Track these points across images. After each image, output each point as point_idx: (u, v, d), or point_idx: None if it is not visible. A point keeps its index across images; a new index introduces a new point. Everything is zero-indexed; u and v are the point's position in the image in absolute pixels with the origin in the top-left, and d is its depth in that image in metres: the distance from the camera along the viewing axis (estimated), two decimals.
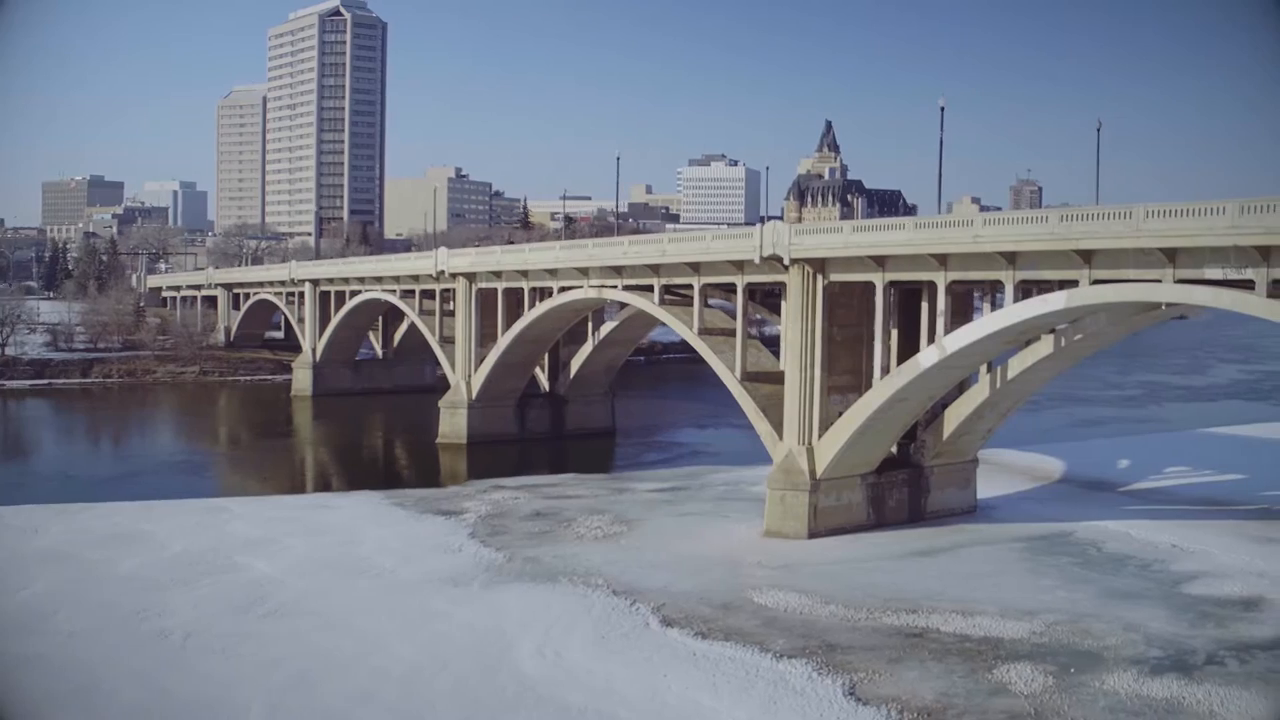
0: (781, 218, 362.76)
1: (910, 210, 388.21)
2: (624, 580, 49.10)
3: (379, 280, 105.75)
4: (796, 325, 55.88)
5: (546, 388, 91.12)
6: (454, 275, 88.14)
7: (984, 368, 55.72)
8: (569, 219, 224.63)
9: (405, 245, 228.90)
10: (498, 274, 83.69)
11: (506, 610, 45.39)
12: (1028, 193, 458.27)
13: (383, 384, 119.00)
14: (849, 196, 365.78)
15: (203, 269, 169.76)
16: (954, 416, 57.63)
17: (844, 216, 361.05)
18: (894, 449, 60.50)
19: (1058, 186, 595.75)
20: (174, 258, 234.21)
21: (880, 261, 52.45)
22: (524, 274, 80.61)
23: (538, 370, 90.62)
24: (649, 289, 68.56)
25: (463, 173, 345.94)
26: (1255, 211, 39.01)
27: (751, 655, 39.92)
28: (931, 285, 51.89)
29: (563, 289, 76.57)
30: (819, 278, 55.14)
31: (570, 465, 79.03)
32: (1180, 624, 43.74)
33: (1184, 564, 52.74)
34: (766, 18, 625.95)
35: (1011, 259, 47.27)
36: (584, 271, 73.95)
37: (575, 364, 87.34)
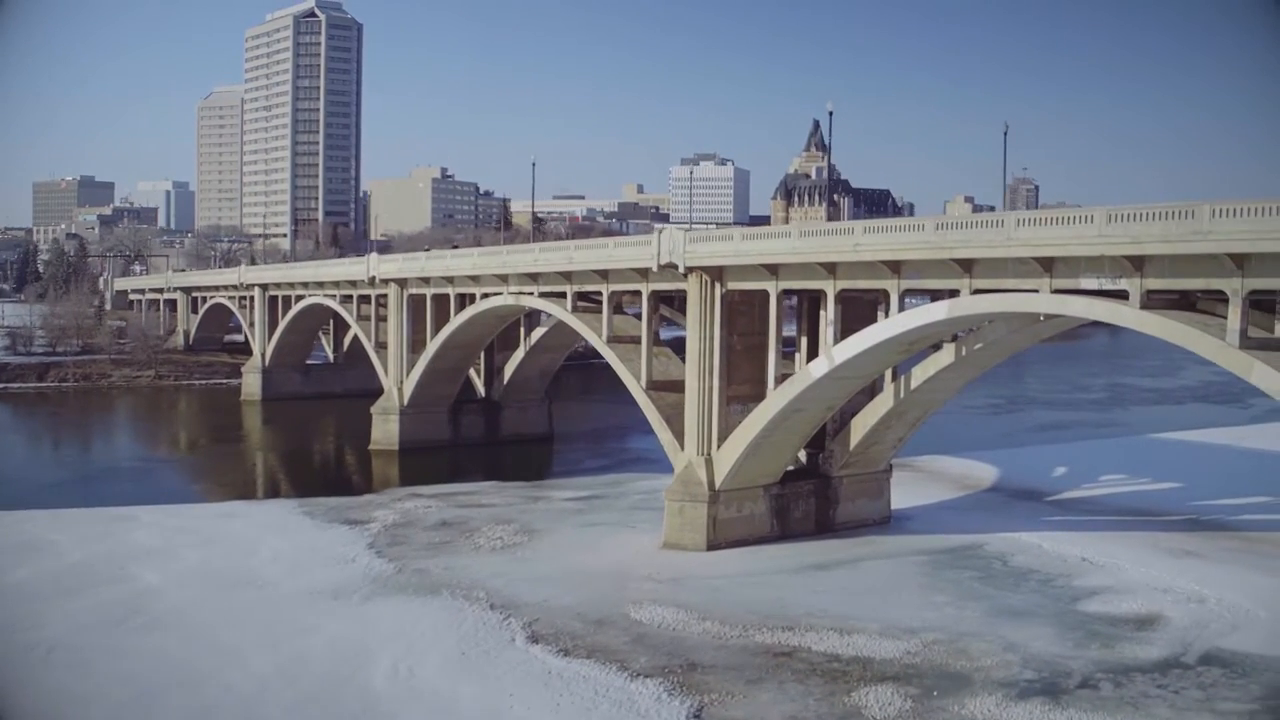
0: (770, 217, 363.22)
1: (899, 210, 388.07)
2: (505, 594, 48.20)
3: (320, 285, 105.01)
4: (696, 333, 54.90)
5: (482, 393, 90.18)
6: (386, 281, 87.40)
7: (889, 377, 54.71)
8: (538, 220, 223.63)
9: (384, 246, 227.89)
10: (426, 280, 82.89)
11: (377, 624, 44.63)
12: (1024, 191, 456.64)
13: (333, 388, 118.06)
14: (835, 196, 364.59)
15: (180, 271, 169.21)
16: (860, 426, 56.60)
17: (830, 216, 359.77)
18: (803, 459, 59.52)
19: (1056, 185, 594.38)
20: (152, 260, 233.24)
21: (773, 270, 51.46)
22: (450, 280, 79.78)
23: (474, 376, 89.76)
24: (563, 295, 67.70)
25: (448, 173, 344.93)
26: (1122, 220, 38.01)
27: (607, 674, 38.96)
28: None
29: (485, 295, 75.76)
30: (717, 285, 54.16)
31: (502, 472, 78.21)
32: (1064, 644, 42.55)
33: (1088, 579, 51.59)
34: (764, 16, 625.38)
35: (896, 268, 46.26)
36: (504, 278, 73.15)
37: (509, 370, 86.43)
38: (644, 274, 59.61)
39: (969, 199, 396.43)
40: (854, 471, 59.16)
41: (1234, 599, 47.97)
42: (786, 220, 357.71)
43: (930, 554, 55.47)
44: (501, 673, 39.29)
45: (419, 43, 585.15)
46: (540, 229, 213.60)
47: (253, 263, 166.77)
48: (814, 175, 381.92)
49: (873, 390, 57.04)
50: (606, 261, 61.83)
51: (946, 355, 50.83)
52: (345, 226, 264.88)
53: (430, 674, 39.21)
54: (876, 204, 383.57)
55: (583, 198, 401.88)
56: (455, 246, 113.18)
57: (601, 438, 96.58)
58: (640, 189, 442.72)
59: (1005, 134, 51.95)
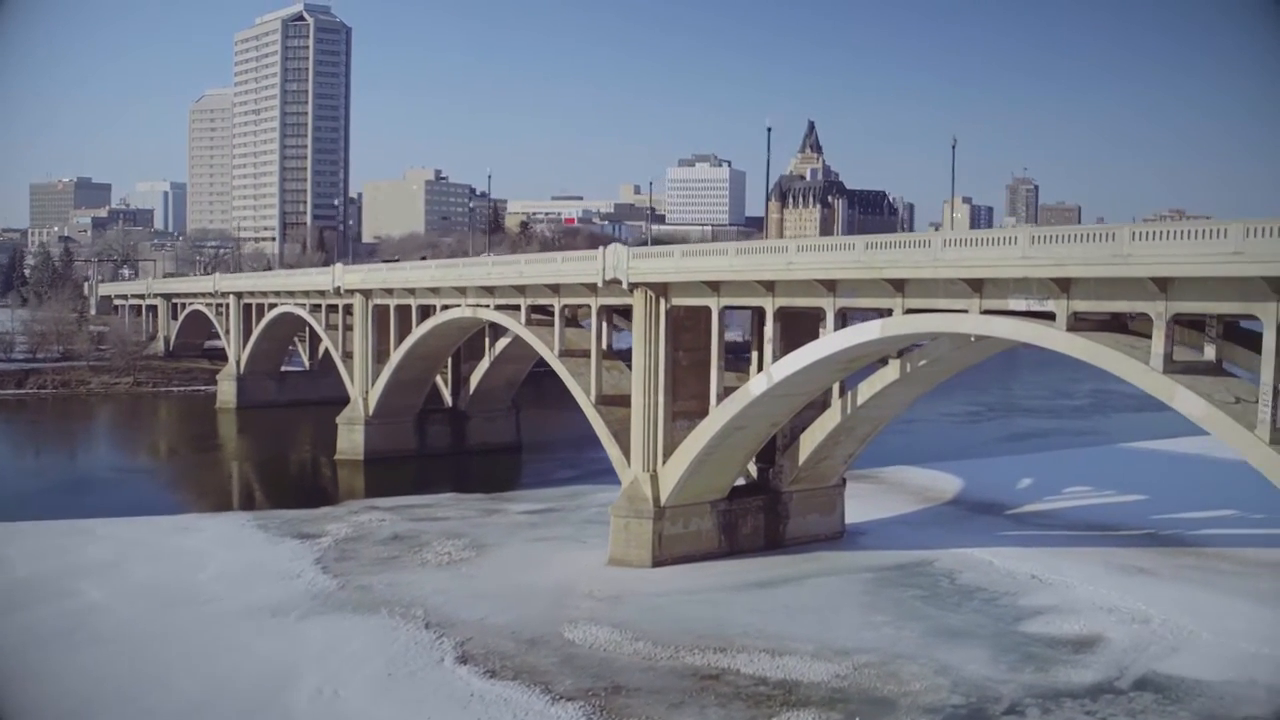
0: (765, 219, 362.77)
1: (894, 212, 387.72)
2: (443, 611, 48.00)
3: (291, 294, 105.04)
4: (642, 349, 54.76)
5: (449, 403, 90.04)
6: (351, 291, 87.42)
7: (836, 392, 54.47)
8: (525, 224, 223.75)
9: (374, 250, 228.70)
10: (389, 291, 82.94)
11: (308, 643, 44.42)
12: (1024, 191, 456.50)
13: (308, 396, 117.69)
14: (829, 198, 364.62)
15: (164, 276, 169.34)
16: (809, 441, 56.39)
17: (824, 218, 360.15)
18: (754, 474, 59.26)
19: (1056, 185, 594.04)
20: (141, 264, 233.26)
21: (715, 287, 51.33)
22: (411, 291, 79.83)
23: (441, 386, 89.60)
24: (518, 308, 67.65)
25: (442, 174, 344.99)
26: (1044, 242, 37.84)
27: (529, 697, 38.71)
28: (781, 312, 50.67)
29: (445, 307, 75.82)
30: (661, 301, 54.02)
31: (465, 483, 77.96)
32: (998, 667, 42.06)
33: (1035, 597, 51.12)
34: (763, 16, 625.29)
35: (832, 286, 46.08)
36: (462, 291, 73.11)
37: (474, 379, 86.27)
38: (592, 289, 59.48)
39: (967, 199, 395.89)
40: (804, 486, 58.89)
41: (1179, 619, 47.43)
42: (781, 221, 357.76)
43: (877, 571, 55.13)
44: (424, 695, 39.07)
45: (415, 42, 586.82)
46: (525, 232, 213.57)
47: (238, 267, 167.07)
48: (808, 177, 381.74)
49: (823, 405, 56.83)
50: (555, 276, 61.82)
51: (892, 371, 50.66)
52: (333, 230, 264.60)
53: (353, 695, 38.99)
54: (872, 205, 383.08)
55: (580, 199, 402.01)
56: (424, 258, 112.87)
57: (569, 448, 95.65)
58: (637, 190, 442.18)
59: (953, 147, 51.45)
